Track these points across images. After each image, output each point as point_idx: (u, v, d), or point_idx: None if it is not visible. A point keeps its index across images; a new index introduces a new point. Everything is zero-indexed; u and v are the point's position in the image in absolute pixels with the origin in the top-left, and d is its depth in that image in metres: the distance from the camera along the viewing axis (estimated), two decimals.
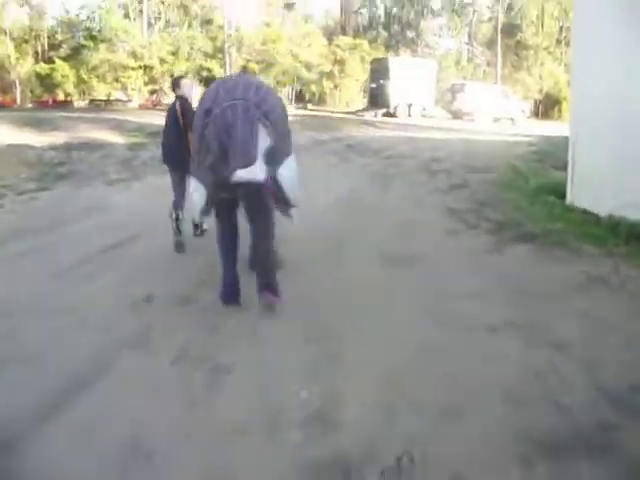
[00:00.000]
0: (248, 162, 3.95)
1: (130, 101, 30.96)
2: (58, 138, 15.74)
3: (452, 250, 6.05)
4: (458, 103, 30.18)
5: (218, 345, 3.80)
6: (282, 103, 4.61)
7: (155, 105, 29.79)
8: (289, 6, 45.63)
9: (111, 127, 17.57)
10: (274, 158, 4.14)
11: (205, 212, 4.43)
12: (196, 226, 6.57)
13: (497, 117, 30.96)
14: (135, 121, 19.54)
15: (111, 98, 32.44)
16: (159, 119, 20.93)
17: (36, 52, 37.43)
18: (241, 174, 3.97)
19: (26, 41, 37.43)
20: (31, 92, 34.67)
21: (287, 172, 4.36)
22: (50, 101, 29.76)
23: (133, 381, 3.35)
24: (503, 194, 9.08)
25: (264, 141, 4.01)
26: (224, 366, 3.49)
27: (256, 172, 4.01)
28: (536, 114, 38.37)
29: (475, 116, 29.78)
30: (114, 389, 3.26)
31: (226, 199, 4.28)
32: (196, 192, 4.34)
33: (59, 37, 37.29)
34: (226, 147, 3.94)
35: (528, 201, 8.32)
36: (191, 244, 6.20)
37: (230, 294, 4.47)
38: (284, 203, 4.54)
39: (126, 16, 36.76)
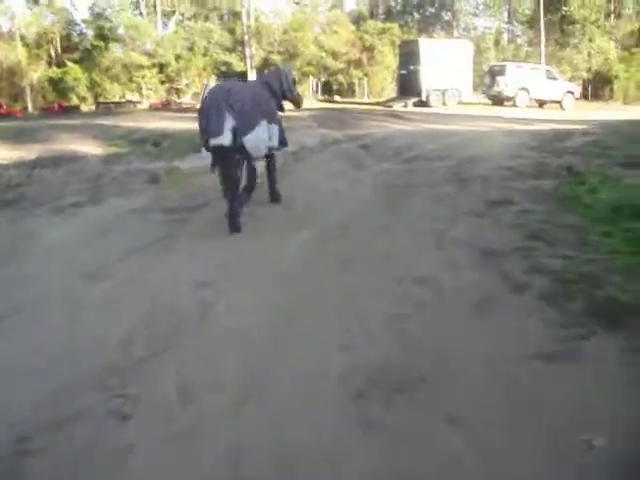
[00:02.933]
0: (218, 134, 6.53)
1: (140, 102, 28.86)
2: (30, 152, 13.59)
3: (475, 366, 3.37)
4: (498, 87, 27.08)
5: None
6: (253, 95, 7.04)
7: (165, 105, 27.60)
8: None
9: (94, 135, 15.33)
10: (238, 130, 6.57)
11: (212, 168, 7.06)
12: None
13: (543, 100, 27.89)
14: (127, 126, 17.32)
15: (121, 100, 30.39)
16: (159, 121, 18.95)
17: (49, 56, 35.78)
18: (214, 142, 6.61)
19: (39, 45, 35.80)
20: (43, 98, 32.89)
21: (249, 138, 6.63)
22: (56, 107, 27.79)
23: None
24: (562, 216, 6.44)
25: (229, 121, 6.52)
26: None
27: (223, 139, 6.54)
28: (585, 96, 34.97)
29: (518, 101, 26.74)
30: None
31: (218, 158, 6.81)
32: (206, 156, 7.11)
33: (74, 39, 35.56)
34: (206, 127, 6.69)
35: (601, 229, 5.70)
36: None
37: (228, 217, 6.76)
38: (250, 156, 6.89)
39: (137, 11, 34.74)
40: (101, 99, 31.51)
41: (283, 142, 7.59)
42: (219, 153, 6.68)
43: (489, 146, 12.50)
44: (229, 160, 6.70)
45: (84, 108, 30.00)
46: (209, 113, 6.61)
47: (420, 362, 3.37)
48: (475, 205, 7.23)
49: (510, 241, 5.57)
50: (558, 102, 27.82)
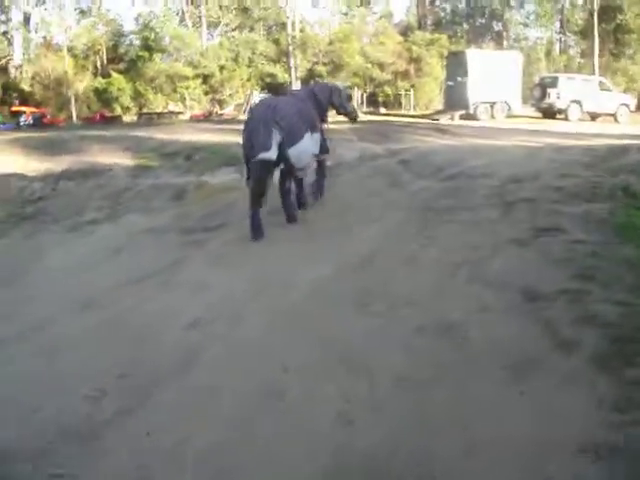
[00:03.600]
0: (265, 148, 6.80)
1: (182, 113, 28.62)
2: (59, 164, 13.26)
3: (505, 461, 2.62)
4: (549, 99, 25.91)
5: None
6: (297, 108, 7.48)
7: (207, 117, 27.26)
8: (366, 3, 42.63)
9: (126, 147, 14.93)
10: (284, 144, 6.94)
11: (248, 181, 7.27)
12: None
13: (596, 113, 26.65)
14: (161, 138, 16.89)
15: (163, 111, 30.21)
16: (196, 133, 18.52)
17: (95, 67, 35.96)
18: (262, 156, 6.82)
19: (87, 56, 36.05)
20: (88, 108, 32.94)
21: (293, 150, 7.08)
22: (97, 117, 27.73)
23: None
24: (618, 250, 5.65)
25: (276, 136, 6.83)
26: None
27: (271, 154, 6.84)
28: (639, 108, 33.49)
29: (570, 114, 25.55)
30: None
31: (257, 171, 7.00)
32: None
33: (120, 50, 35.69)
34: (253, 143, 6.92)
35: None
36: None
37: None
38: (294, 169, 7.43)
39: (182, 22, 34.66)
40: (144, 109, 31.41)
41: (323, 149, 8.19)
42: (260, 166, 6.92)
43: (538, 163, 11.64)
44: (267, 173, 7.01)
45: (127, 118, 29.89)
46: (256, 130, 6.90)
47: (431, 451, 2.66)
48: (518, 233, 6.46)
49: (556, 280, 4.81)
50: (612, 115, 26.53)
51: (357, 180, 10.26)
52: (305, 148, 7.35)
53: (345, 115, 8.91)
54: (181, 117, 27.49)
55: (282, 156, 6.98)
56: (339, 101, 8.51)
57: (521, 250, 5.85)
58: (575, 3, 41.10)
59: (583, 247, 5.81)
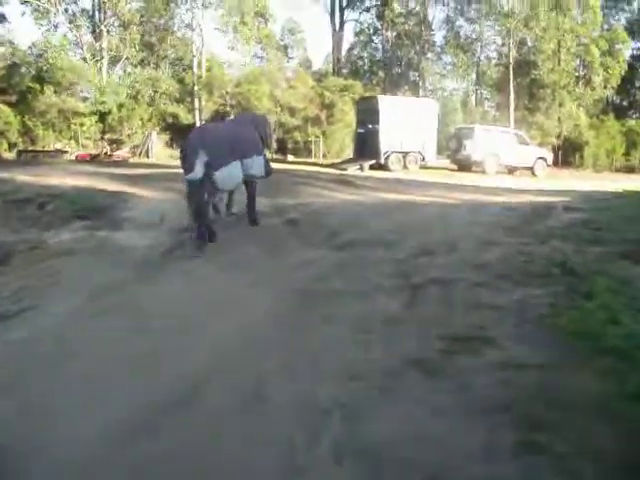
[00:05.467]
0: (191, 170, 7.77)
1: (67, 152, 25.77)
2: None
3: None
4: (465, 151, 24.54)
5: None
6: (229, 135, 8.33)
7: (94, 158, 24.52)
8: (284, 49, 41.29)
9: None
10: (210, 167, 7.80)
11: (187, 197, 8.22)
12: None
13: (513, 167, 25.50)
14: (22, 180, 14.12)
15: (49, 149, 27.26)
16: (68, 176, 15.89)
17: None
18: (189, 176, 7.86)
19: None
20: None
21: (219, 174, 7.92)
22: None
23: None
24: (575, 382, 3.63)
25: (202, 158, 7.70)
26: None
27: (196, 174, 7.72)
28: (555, 162, 32.87)
29: (487, 166, 24.25)
30: None
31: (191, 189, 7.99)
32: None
33: (12, 80, 32.57)
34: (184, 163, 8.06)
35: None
36: None
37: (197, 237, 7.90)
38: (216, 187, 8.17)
39: (80, 54, 32.06)
40: (30, 147, 28.28)
41: (268, 172, 9.20)
42: (192, 184, 7.92)
43: (454, 227, 9.73)
44: (195, 190, 7.92)
45: (7, 155, 26.83)
46: (188, 151, 7.97)
47: None
48: (424, 347, 4.36)
49: (486, 453, 2.68)
50: (529, 168, 25.48)
51: (224, 248, 8.02)
52: (230, 173, 8.16)
53: (267, 147, 9.77)
54: (67, 157, 24.63)
55: (208, 177, 7.88)
56: (264, 133, 9.24)
57: (425, 388, 3.72)
58: (491, 56, 40.93)
59: (522, 378, 3.76)
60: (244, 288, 5.89)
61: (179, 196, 12.85)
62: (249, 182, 9.01)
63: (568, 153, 35.50)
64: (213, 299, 5.58)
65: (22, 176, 15.42)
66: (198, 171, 7.77)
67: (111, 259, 7.58)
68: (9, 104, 30.48)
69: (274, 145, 10.17)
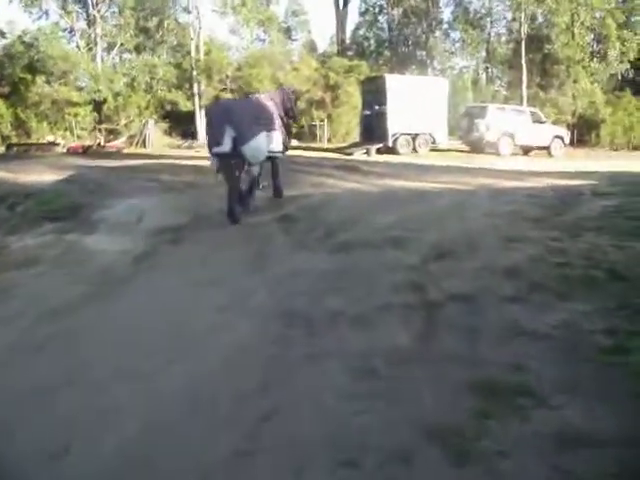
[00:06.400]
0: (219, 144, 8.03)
1: (58, 145, 24.56)
2: None
3: None
4: (478, 132, 23.12)
5: None
6: (252, 109, 8.61)
7: (86, 149, 23.30)
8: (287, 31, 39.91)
9: None
10: (237, 141, 8.00)
11: (217, 171, 8.48)
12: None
13: (528, 147, 24.12)
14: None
15: (41, 141, 26.04)
16: (49, 171, 14.66)
17: None
18: (216, 150, 8.15)
19: None
20: None
21: (246, 147, 8.08)
22: None
23: None
24: None
25: (229, 133, 7.93)
26: None
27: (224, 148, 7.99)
28: (570, 141, 31.35)
29: (500, 147, 22.87)
30: None
31: (222, 164, 8.31)
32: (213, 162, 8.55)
33: (4, 71, 31.35)
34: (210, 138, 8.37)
35: None
36: None
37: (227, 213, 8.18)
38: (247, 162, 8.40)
39: (73, 41, 30.80)
40: (22, 140, 27.14)
41: (286, 147, 9.52)
42: (222, 159, 8.26)
43: (471, 219, 8.47)
44: (230, 165, 8.24)
45: None
46: (213, 126, 8.40)
47: None
48: (446, 401, 3.17)
49: None
50: (545, 148, 24.10)
51: (205, 252, 6.83)
52: (257, 145, 8.34)
53: (292, 118, 9.95)
54: (58, 149, 23.44)
55: (236, 150, 8.08)
56: (290, 105, 9.44)
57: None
58: (501, 32, 39.31)
59: (588, 465, 2.54)
60: (214, 313, 4.68)
61: (164, 188, 11.78)
62: (272, 157, 9.16)
63: (583, 131, 33.91)
64: (171, 331, 4.37)
65: (2, 173, 14.33)
66: (226, 144, 8.03)
67: (73, 270, 6.55)
68: (1, 96, 29.38)
69: (297, 115, 10.61)
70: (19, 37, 29.69)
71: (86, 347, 4.25)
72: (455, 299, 4.80)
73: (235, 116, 8.12)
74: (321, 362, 3.75)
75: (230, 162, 8.17)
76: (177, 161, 17.39)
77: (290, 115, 9.57)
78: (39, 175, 13.82)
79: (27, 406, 3.35)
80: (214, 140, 8.19)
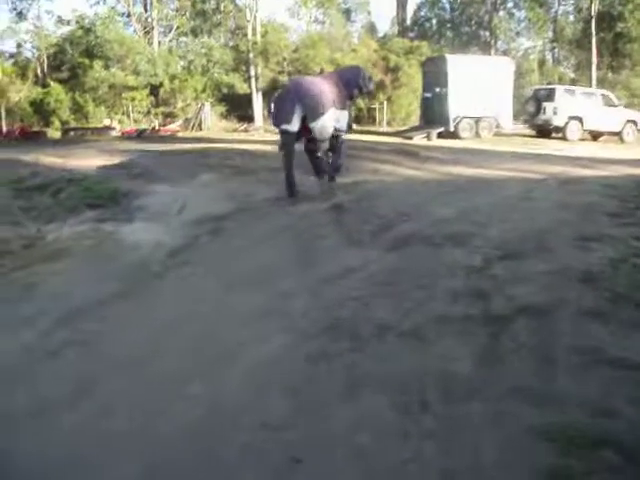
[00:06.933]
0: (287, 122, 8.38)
1: (114, 129, 24.49)
2: None
3: None
4: (545, 115, 21.97)
5: None
6: (320, 87, 8.61)
7: (140, 133, 23.11)
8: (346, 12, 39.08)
9: None
10: (307, 119, 8.37)
11: (280, 148, 8.78)
12: None
13: (598, 132, 22.80)
14: (45, 164, 12.97)
15: (97, 126, 26.06)
16: (99, 157, 14.44)
17: (36, 75, 31.95)
18: (284, 127, 8.49)
19: (26, 64, 32.12)
20: (21, 121, 28.66)
21: (315, 124, 8.40)
22: (17, 132, 23.60)
23: None
24: None
25: (299, 111, 8.30)
26: None
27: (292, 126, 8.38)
28: None
29: (569, 132, 21.68)
30: None
31: (286, 140, 8.63)
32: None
33: (64, 57, 31.64)
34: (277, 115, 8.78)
35: None
36: None
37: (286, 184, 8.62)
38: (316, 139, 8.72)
39: (129, 25, 30.73)
40: (79, 124, 27.24)
41: (350, 126, 9.72)
42: (287, 136, 8.57)
43: (541, 212, 7.66)
44: (289, 140, 8.60)
45: (55, 134, 25.81)
46: (281, 103, 8.70)
47: None
48: (519, 463, 2.48)
49: None
50: (617, 134, 22.73)
51: (245, 247, 6.26)
52: (324, 122, 8.48)
53: (367, 94, 11.46)
54: (113, 134, 23.33)
55: (305, 129, 8.48)
56: (363, 83, 9.16)
57: None
58: (569, 11, 37.54)
59: None
60: (244, 324, 4.08)
61: (212, 173, 11.32)
62: (335, 136, 9.06)
63: None
64: (192, 347, 3.78)
65: (49, 158, 14.11)
66: (295, 124, 8.38)
67: (104, 265, 6.06)
68: (60, 81, 29.58)
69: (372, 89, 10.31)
70: (77, 22, 29.82)
71: (97, 358, 3.72)
72: (525, 312, 4.08)
73: (304, 95, 8.39)
74: (360, 393, 3.11)
75: (293, 140, 8.54)
76: (230, 145, 16.91)
77: (364, 91, 9.54)
78: (88, 160, 13.54)
79: (24, 428, 2.82)
80: (283, 117, 8.49)
